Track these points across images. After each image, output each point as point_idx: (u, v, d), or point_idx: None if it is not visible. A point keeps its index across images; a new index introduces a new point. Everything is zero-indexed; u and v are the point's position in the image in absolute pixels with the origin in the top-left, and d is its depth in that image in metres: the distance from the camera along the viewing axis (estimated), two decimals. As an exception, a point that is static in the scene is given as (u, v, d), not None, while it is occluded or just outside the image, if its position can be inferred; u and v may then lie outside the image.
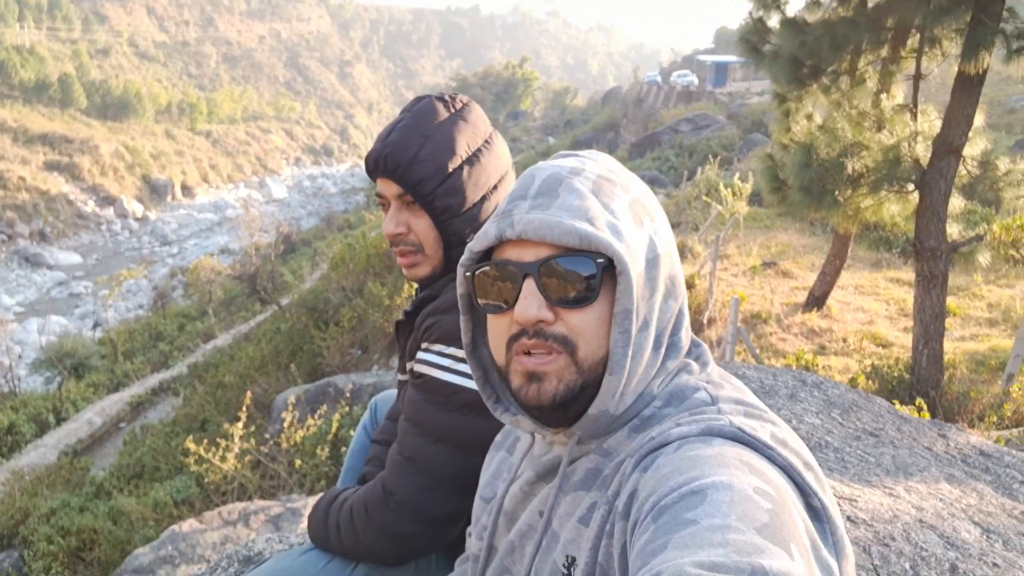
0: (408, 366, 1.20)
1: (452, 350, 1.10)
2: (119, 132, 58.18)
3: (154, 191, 51.71)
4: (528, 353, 0.72)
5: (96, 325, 24.49)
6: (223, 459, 6.40)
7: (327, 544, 1.22)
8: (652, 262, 0.74)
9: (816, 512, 0.62)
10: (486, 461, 0.97)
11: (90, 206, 44.77)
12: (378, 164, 1.17)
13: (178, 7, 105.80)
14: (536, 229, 0.70)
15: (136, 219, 46.09)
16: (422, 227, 1.19)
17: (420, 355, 1.14)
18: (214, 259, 26.30)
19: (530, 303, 0.71)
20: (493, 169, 1.21)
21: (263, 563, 1.25)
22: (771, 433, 0.66)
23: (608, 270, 0.71)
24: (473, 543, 0.92)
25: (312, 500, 4.47)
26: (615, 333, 0.70)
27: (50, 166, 45.89)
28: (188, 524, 5.06)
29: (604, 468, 0.75)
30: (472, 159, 1.18)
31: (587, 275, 0.70)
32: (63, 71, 62.94)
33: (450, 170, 1.16)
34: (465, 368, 1.08)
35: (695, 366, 0.79)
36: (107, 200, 46.31)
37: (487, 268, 0.74)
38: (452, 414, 1.09)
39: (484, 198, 1.20)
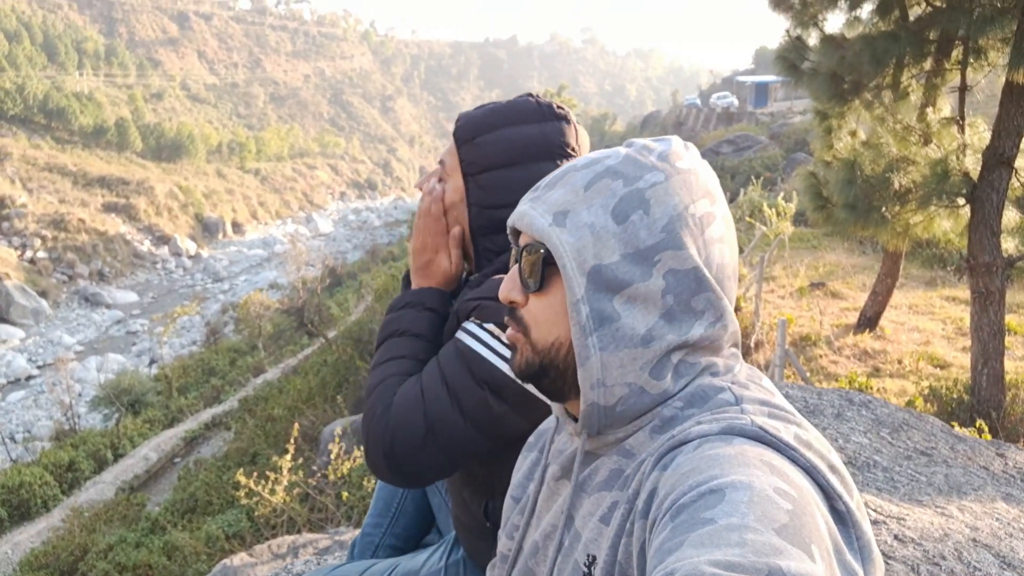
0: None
1: (494, 329, 1.11)
2: (173, 173, 60.40)
3: (206, 229, 53.34)
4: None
5: (152, 362, 25.23)
6: (272, 492, 6.48)
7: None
8: (632, 256, 0.73)
9: (841, 516, 0.60)
10: (518, 462, 0.97)
11: (146, 245, 46.37)
12: (455, 128, 1.26)
13: (227, 50, 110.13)
14: (519, 218, 0.78)
15: (189, 257, 47.53)
16: (439, 187, 1.27)
17: (467, 325, 1.15)
18: (263, 294, 26.92)
19: (507, 284, 0.79)
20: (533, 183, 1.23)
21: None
22: (795, 434, 0.65)
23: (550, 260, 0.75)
24: (503, 542, 0.92)
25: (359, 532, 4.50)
26: (572, 325, 0.73)
27: (108, 208, 47.78)
28: (239, 558, 5.14)
29: (626, 468, 0.74)
30: (522, 167, 1.20)
31: (536, 264, 0.75)
32: (119, 115, 65.82)
33: (492, 165, 1.20)
34: (500, 348, 1.09)
35: (721, 366, 0.76)
36: (162, 239, 47.92)
37: (514, 248, 0.82)
38: (471, 380, 1.10)
39: (510, 206, 1.21)
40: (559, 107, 1.24)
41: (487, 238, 1.24)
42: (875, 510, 1.60)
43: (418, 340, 1.22)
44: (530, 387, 0.83)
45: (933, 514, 1.63)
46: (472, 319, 1.15)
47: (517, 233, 0.82)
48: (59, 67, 74.29)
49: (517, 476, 0.95)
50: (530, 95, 1.27)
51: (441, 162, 1.28)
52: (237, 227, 57.13)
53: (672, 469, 0.64)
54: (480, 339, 1.12)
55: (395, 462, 1.10)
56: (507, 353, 1.08)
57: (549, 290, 0.76)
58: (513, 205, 1.19)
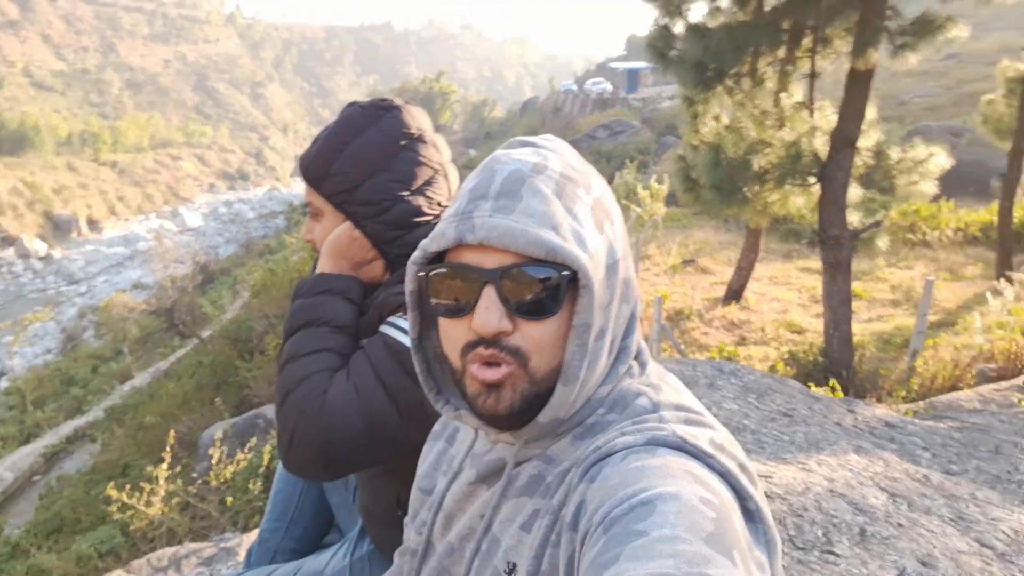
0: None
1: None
2: (16, 167, 55.07)
3: (58, 228, 49.14)
4: (487, 364, 0.71)
5: (2, 374, 23.06)
6: (148, 504, 6.11)
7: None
8: (611, 268, 0.73)
9: (751, 514, 0.64)
10: (424, 451, 0.95)
11: (-12, 247, 42.21)
12: (302, 172, 1.25)
13: (76, 33, 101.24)
14: (500, 236, 0.67)
15: (39, 258, 43.65)
16: (330, 231, 1.26)
17: (394, 320, 1.14)
18: (127, 295, 25.18)
19: (490, 313, 0.68)
20: (415, 172, 1.24)
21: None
22: (710, 439, 0.68)
23: (571, 281, 0.69)
24: (412, 536, 0.91)
25: (248, 538, 4.34)
26: (572, 345, 0.69)
27: (-60, 208, 43.10)
28: (116, 575, 4.83)
29: (548, 475, 0.74)
30: (387, 166, 1.22)
31: (551, 287, 0.68)
32: (-50, 106, 59.35)
33: (361, 180, 1.21)
34: None
35: (636, 367, 0.79)
36: (6, 241, 43.76)
37: (443, 270, 0.71)
38: (402, 375, 1.09)
39: (404, 199, 1.23)
40: (382, 100, 1.27)
41: (393, 244, 1.24)
42: (744, 470, 1.72)
43: (340, 333, 1.19)
44: (464, 412, 0.76)
45: (796, 470, 1.78)
46: (398, 314, 1.15)
47: (443, 253, 0.73)
48: None
49: (423, 466, 0.94)
50: (352, 104, 1.29)
51: (308, 204, 1.29)
52: (93, 224, 53.00)
53: (600, 481, 0.65)
54: (400, 327, 1.12)
55: (331, 462, 1.09)
56: None
57: (556, 314, 0.70)
58: (400, 201, 1.21)
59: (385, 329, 1.14)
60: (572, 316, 0.70)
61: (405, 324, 1.11)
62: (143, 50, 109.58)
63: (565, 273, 0.68)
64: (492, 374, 0.70)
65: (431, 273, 0.72)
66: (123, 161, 68.08)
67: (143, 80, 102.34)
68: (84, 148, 67.56)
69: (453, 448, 0.90)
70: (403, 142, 1.24)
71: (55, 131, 65.10)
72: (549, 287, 0.68)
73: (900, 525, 1.51)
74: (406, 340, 1.09)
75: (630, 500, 0.59)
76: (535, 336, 0.70)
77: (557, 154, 0.75)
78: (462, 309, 0.70)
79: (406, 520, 0.94)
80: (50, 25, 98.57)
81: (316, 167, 1.23)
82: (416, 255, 0.74)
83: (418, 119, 1.28)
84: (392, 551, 1.25)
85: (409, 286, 0.76)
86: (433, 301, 0.73)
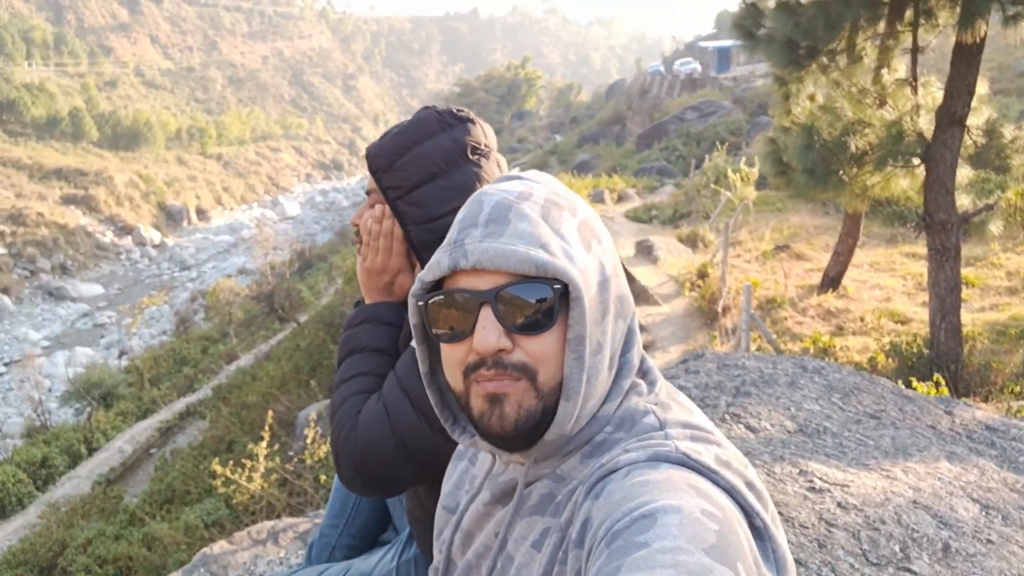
0: None
1: None
2: (132, 161, 58.89)
3: (170, 217, 52.26)
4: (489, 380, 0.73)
5: (122, 354, 24.83)
6: (249, 479, 6.48)
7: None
8: (603, 284, 0.75)
9: (758, 531, 0.64)
10: (448, 470, 0.98)
11: (108, 237, 45.35)
12: (368, 161, 1.28)
13: (181, 34, 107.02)
14: (491, 258, 0.70)
15: (154, 246, 46.59)
16: (379, 209, 1.29)
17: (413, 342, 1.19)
18: (232, 281, 26.55)
19: (489, 332, 0.70)
20: (475, 186, 1.25)
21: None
22: (715, 456, 0.68)
23: (563, 295, 0.71)
24: (435, 555, 0.94)
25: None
26: (570, 359, 0.72)
27: (67, 200, 46.54)
28: (219, 546, 5.14)
29: (557, 494, 0.76)
30: (448, 175, 1.23)
31: (544, 302, 0.71)
32: (73, 105, 63.80)
33: (420, 181, 1.23)
34: None
35: (644, 386, 0.80)
36: (124, 230, 46.87)
37: (440, 297, 0.74)
38: (421, 381, 1.12)
39: (452, 212, 1.23)
40: (459, 110, 1.29)
41: (431, 252, 1.25)
42: (821, 478, 1.66)
43: (378, 355, 1.25)
44: (478, 439, 0.78)
45: (878, 478, 1.70)
46: None
47: (439, 279, 0.76)
48: (7, 58, 71.55)
49: (448, 485, 0.96)
50: (428, 107, 1.30)
51: (369, 192, 1.31)
52: (202, 214, 56.06)
53: (604, 497, 0.66)
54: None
55: (368, 477, 1.14)
56: None
57: (553, 328, 0.72)
58: (451, 212, 1.22)
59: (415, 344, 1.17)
60: (567, 330, 0.72)
61: None
62: (243, 47, 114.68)
63: (557, 287, 0.71)
64: (493, 385, 0.72)
65: (430, 301, 0.75)
66: (227, 154, 71.68)
67: (243, 76, 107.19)
68: (191, 142, 71.47)
69: (475, 468, 0.92)
70: (470, 155, 1.25)
71: (165, 127, 69.14)
72: (542, 302, 0.71)
73: (990, 541, 1.41)
74: None
75: (632, 514, 0.60)
76: (536, 351, 0.72)
77: (542, 184, 0.79)
78: (462, 333, 0.73)
79: (435, 541, 0.96)
80: (157, 26, 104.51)
81: (381, 158, 1.25)
82: (415, 287, 0.77)
83: (489, 136, 1.29)
84: None
85: (413, 319, 0.79)
86: (435, 331, 0.76)
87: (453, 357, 0.75)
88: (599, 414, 0.76)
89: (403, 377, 1.15)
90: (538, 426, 0.73)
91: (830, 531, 1.41)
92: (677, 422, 0.74)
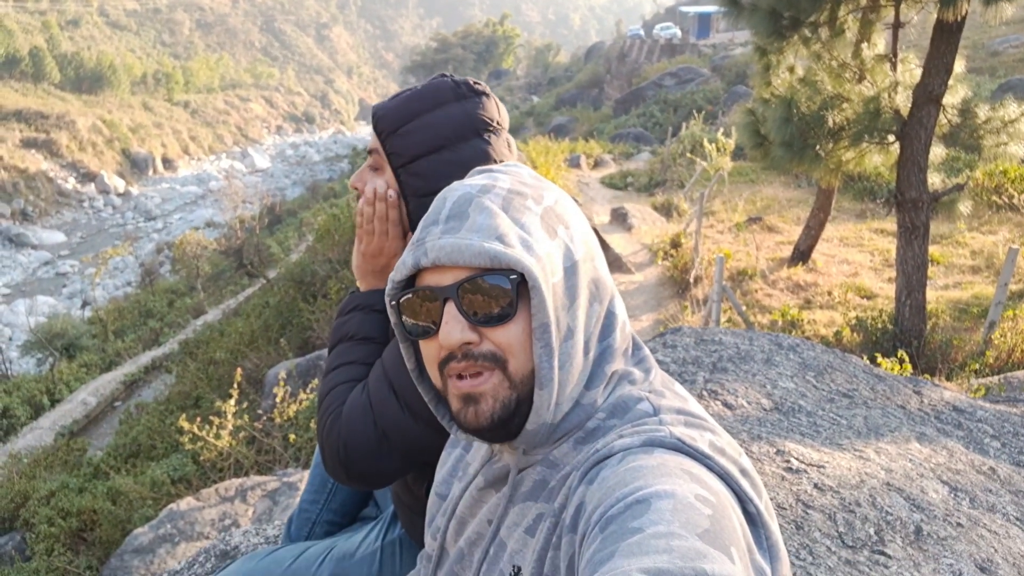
0: None
1: None
2: (95, 106, 56.98)
3: (135, 165, 50.90)
4: (460, 376, 0.74)
5: (85, 304, 24.36)
6: (217, 437, 6.44)
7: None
8: (570, 270, 0.75)
9: (752, 517, 0.64)
10: (442, 458, 0.98)
11: (71, 183, 44.08)
12: (373, 121, 1.23)
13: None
14: (448, 254, 0.72)
15: (118, 195, 45.46)
16: (380, 185, 1.25)
17: None
18: (199, 233, 26.09)
19: (452, 327, 0.72)
20: (480, 163, 1.21)
21: (231, 565, 1.28)
22: (710, 442, 0.69)
23: (524, 285, 0.72)
24: (427, 541, 0.94)
25: (307, 473, 4.54)
26: (537, 348, 0.72)
27: (27, 143, 44.99)
28: (186, 502, 5.12)
29: (551, 480, 0.76)
30: (455, 148, 1.19)
31: (503, 293, 0.71)
32: (33, 44, 61.24)
33: (426, 151, 1.19)
34: None
35: (638, 374, 0.80)
36: (88, 176, 45.59)
37: (409, 296, 0.76)
38: (405, 370, 1.10)
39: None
40: (475, 82, 1.23)
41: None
42: (798, 459, 1.69)
43: (367, 343, 1.22)
44: (471, 441, 0.79)
45: (851, 458, 1.73)
46: None
47: (411, 278, 0.77)
48: (-41, -11, 68.43)
49: (442, 472, 0.96)
50: (444, 75, 1.25)
51: (371, 151, 1.26)
52: (168, 163, 54.70)
53: (598, 483, 0.66)
54: None
55: (353, 470, 1.12)
56: None
57: (516, 318, 0.73)
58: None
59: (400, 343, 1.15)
60: (532, 319, 0.72)
61: None
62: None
63: (513, 277, 0.71)
64: (467, 385, 0.73)
65: (402, 300, 0.77)
66: (195, 101, 69.67)
67: (212, 20, 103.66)
68: (158, 88, 69.27)
69: (469, 455, 0.92)
70: (480, 130, 1.21)
71: (130, 70, 66.84)
72: (502, 293, 0.71)
73: (960, 524, 1.45)
74: None
75: (626, 499, 0.61)
76: (502, 341, 0.73)
77: (509, 175, 0.79)
78: (432, 329, 0.74)
79: (426, 529, 0.96)
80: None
81: (389, 120, 1.20)
82: (388, 288, 0.78)
83: (502, 112, 1.25)
84: (421, 538, 1.29)
85: (392, 318, 0.80)
86: (408, 323, 0.77)
87: (429, 353, 0.77)
88: (582, 400, 0.77)
89: (389, 368, 1.13)
90: (515, 416, 0.74)
91: (807, 513, 1.44)
92: (671, 408, 0.75)
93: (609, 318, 0.79)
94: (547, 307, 0.71)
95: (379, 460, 1.11)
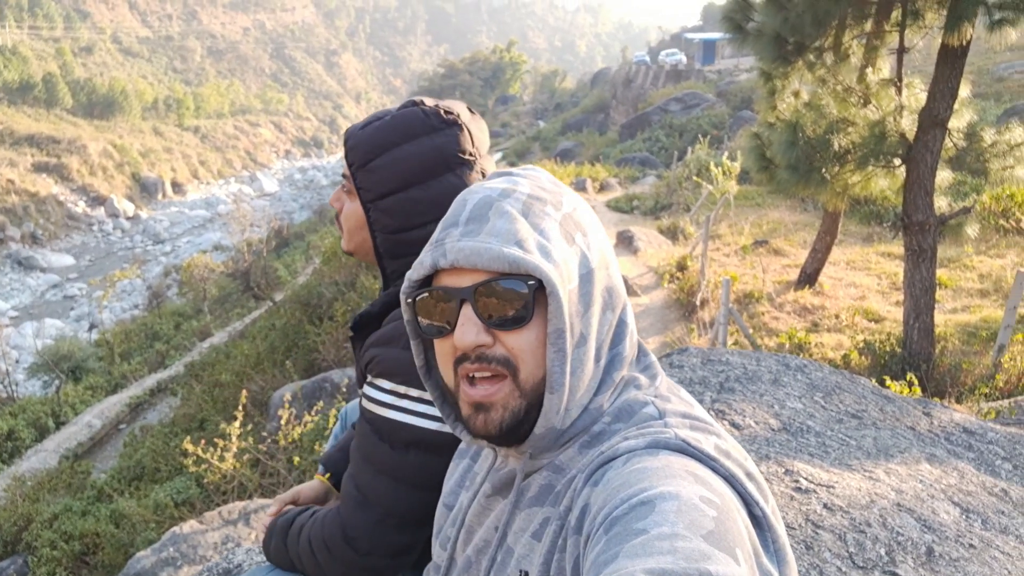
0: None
1: (394, 386, 1.09)
2: (106, 131, 57.69)
3: (144, 189, 51.37)
4: (471, 379, 0.74)
5: (92, 327, 24.46)
6: (221, 459, 6.41)
7: (291, 568, 1.23)
8: (585, 277, 0.76)
9: (758, 521, 0.64)
10: (450, 468, 0.98)
11: (81, 207, 44.47)
12: (345, 149, 1.22)
13: (160, 1, 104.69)
14: (467, 257, 0.72)
15: (128, 218, 45.82)
16: (349, 212, 1.26)
17: (365, 389, 1.14)
18: (207, 256, 26.21)
19: (468, 328, 0.73)
20: (445, 200, 1.16)
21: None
22: (715, 445, 0.69)
23: (540, 291, 0.72)
24: (436, 552, 0.94)
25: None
26: (550, 352, 0.72)
27: (38, 168, 45.50)
28: (189, 525, 5.09)
29: (556, 484, 0.76)
30: (425, 185, 1.17)
31: (520, 297, 0.72)
32: (47, 70, 62.22)
33: (391, 190, 1.17)
34: (409, 404, 1.07)
35: (644, 380, 0.80)
36: (97, 200, 46.00)
37: (425, 295, 0.77)
38: (396, 451, 1.08)
39: (422, 226, 1.18)
40: (447, 112, 1.20)
41: (396, 260, 1.22)
42: (807, 478, 1.67)
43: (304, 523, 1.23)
44: (479, 445, 0.80)
45: (861, 479, 1.71)
46: (368, 378, 1.14)
47: (428, 278, 0.77)
48: (-23, 18, 69.68)
49: (449, 483, 0.96)
50: (414, 102, 1.22)
51: (344, 176, 1.25)
52: (177, 187, 55.19)
53: (603, 484, 0.66)
54: (382, 402, 1.10)
55: (368, 563, 1.10)
56: (412, 406, 1.07)
57: (530, 323, 0.73)
58: (420, 225, 1.16)
59: (364, 404, 1.13)
60: (547, 324, 0.73)
61: (374, 392, 1.11)
62: (223, 18, 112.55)
63: (531, 283, 0.72)
64: (478, 394, 0.74)
65: (417, 299, 0.78)
66: (205, 126, 70.49)
67: (223, 48, 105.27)
68: (169, 113, 70.14)
69: (477, 465, 0.92)
70: (452, 164, 1.18)
71: (142, 96, 67.73)
72: (518, 297, 0.72)
73: (972, 546, 1.43)
74: (382, 411, 1.09)
75: (630, 500, 0.61)
76: (516, 345, 0.73)
77: (527, 179, 0.80)
78: (447, 328, 0.75)
79: (433, 540, 0.96)
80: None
81: (359, 153, 1.18)
82: (404, 286, 0.79)
83: (477, 139, 1.21)
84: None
85: (406, 315, 0.81)
86: (423, 323, 0.78)
87: (442, 351, 0.78)
88: (591, 406, 0.77)
89: (369, 451, 1.11)
90: (524, 423, 0.75)
91: (816, 532, 1.42)
92: (677, 412, 0.75)
93: (620, 326, 0.80)
94: (563, 313, 0.71)
95: (388, 538, 1.09)
